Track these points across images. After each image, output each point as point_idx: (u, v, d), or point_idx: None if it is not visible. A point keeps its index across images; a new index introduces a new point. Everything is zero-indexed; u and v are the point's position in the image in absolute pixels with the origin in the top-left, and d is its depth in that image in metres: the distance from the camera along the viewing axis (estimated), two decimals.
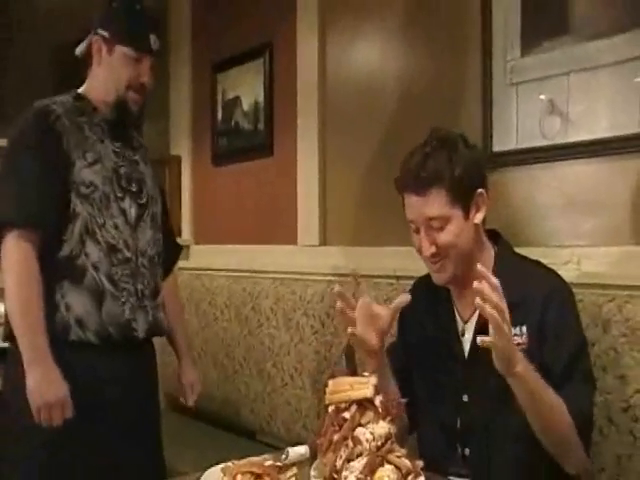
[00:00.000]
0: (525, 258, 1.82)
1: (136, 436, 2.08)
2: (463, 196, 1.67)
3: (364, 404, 1.37)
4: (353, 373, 1.46)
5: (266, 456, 1.48)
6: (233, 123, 3.55)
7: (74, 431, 1.92)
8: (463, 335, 1.77)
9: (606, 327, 1.86)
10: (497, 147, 2.31)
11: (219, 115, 3.66)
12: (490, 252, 1.78)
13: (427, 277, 1.84)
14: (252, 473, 1.35)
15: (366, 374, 1.42)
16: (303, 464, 1.52)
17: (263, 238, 3.33)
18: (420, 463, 1.42)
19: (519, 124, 2.27)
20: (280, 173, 3.27)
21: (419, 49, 2.63)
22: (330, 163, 3.03)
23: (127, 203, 2.07)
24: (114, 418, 2.02)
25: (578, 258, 2.08)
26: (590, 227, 2.10)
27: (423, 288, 1.90)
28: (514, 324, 1.61)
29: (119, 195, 2.05)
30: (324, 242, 3.02)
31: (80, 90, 2.13)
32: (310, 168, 3.07)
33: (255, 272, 3.20)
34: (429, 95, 2.57)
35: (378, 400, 1.39)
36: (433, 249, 1.68)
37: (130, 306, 2.03)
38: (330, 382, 1.41)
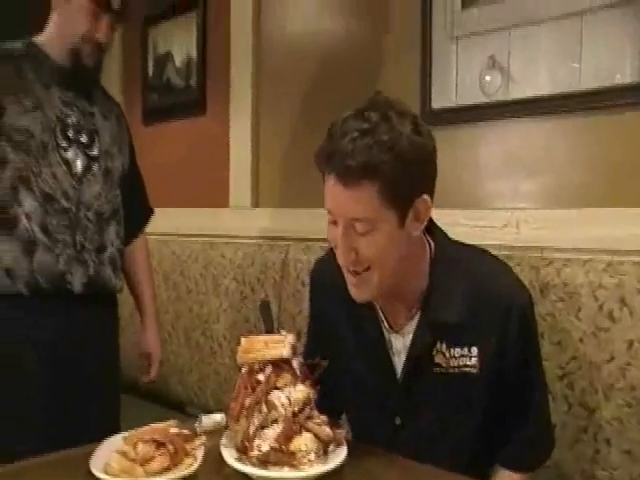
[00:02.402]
0: (467, 248, 1.52)
1: (79, 392, 1.99)
2: (401, 199, 1.31)
3: (280, 365, 1.27)
4: (270, 331, 1.35)
5: (171, 422, 1.35)
6: (165, 79, 3.42)
7: (6, 383, 1.90)
8: (390, 348, 1.49)
9: (544, 291, 1.80)
10: (436, 104, 2.22)
11: (150, 70, 3.52)
12: (425, 249, 1.47)
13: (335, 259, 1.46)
14: (154, 441, 1.23)
15: (284, 332, 1.31)
16: (218, 433, 1.41)
17: (194, 200, 3.21)
18: (342, 432, 1.32)
19: (459, 80, 2.18)
20: (212, 132, 3.15)
21: (356, 1, 2.53)
22: (263, 123, 2.93)
23: (72, 153, 2.00)
24: (51, 370, 1.95)
25: (517, 221, 2.01)
26: (530, 188, 2.03)
27: (334, 275, 1.49)
28: (461, 344, 1.42)
29: (62, 144, 1.98)
30: (256, 204, 2.92)
31: (40, 36, 2.06)
32: (243, 128, 2.96)
33: (184, 235, 3.09)
34: (367, 51, 2.48)
35: (296, 361, 1.29)
36: (352, 256, 1.34)
37: (66, 258, 1.95)
38: (243, 340, 1.29)
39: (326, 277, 1.59)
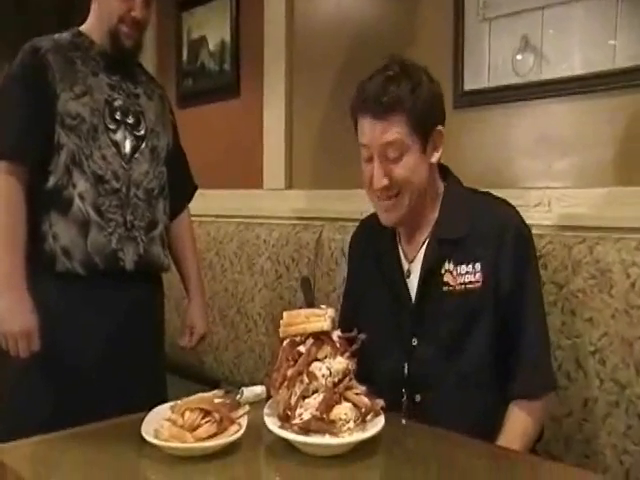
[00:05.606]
0: (475, 191, 1.73)
1: (129, 368, 2.07)
2: (423, 128, 1.57)
3: (321, 338, 1.31)
4: (310, 305, 1.40)
5: (216, 392, 1.41)
6: (199, 64, 3.45)
7: (64, 359, 1.97)
8: (409, 276, 1.68)
9: (576, 269, 1.81)
10: (468, 85, 2.25)
11: (184, 55, 3.55)
12: (439, 188, 1.70)
13: (373, 216, 1.75)
14: (201, 409, 1.28)
15: (323, 306, 1.35)
16: (258, 404, 1.46)
17: (229, 182, 3.25)
18: (380, 402, 1.36)
19: (491, 61, 2.19)
20: (246, 115, 3.19)
21: None
22: (296, 106, 2.96)
23: (120, 135, 2.07)
24: (103, 347, 2.03)
25: (549, 200, 2.03)
26: (563, 168, 2.05)
27: (369, 228, 1.81)
28: (465, 261, 1.58)
29: (111, 127, 2.05)
30: (290, 185, 2.96)
31: (82, 26, 2.14)
32: (277, 110, 2.99)
33: (219, 216, 3.13)
34: (399, 34, 2.49)
35: (335, 334, 1.33)
36: (386, 181, 1.57)
37: (117, 237, 2.02)
38: (285, 314, 1.34)
39: (368, 225, 1.84)
